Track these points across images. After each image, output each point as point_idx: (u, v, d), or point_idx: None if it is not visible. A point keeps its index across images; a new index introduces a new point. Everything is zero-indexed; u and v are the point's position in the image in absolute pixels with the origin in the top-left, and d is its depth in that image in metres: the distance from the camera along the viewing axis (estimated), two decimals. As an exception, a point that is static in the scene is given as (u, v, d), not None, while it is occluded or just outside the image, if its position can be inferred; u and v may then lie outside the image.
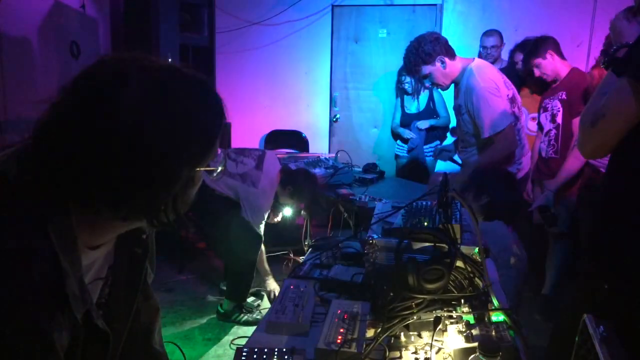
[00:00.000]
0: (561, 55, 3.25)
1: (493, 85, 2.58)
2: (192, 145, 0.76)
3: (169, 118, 0.73)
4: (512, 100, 2.65)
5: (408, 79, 4.45)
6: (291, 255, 3.48)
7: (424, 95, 4.56)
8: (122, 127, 0.70)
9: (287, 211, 3.58)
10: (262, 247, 3.30)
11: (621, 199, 1.24)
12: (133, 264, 0.93)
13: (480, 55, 4.39)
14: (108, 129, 0.70)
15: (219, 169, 0.85)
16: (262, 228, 3.19)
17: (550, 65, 3.21)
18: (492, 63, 4.23)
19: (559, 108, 3.19)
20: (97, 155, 0.70)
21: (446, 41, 2.71)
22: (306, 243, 3.71)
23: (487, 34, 4.24)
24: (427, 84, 4.37)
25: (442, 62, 2.62)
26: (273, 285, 3.45)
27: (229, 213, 3.11)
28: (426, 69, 2.69)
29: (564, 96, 3.16)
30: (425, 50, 2.64)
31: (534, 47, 3.28)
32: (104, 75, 0.73)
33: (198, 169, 0.80)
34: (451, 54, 2.68)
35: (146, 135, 0.71)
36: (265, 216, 3.20)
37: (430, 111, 4.57)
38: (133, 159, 0.71)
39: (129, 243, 0.91)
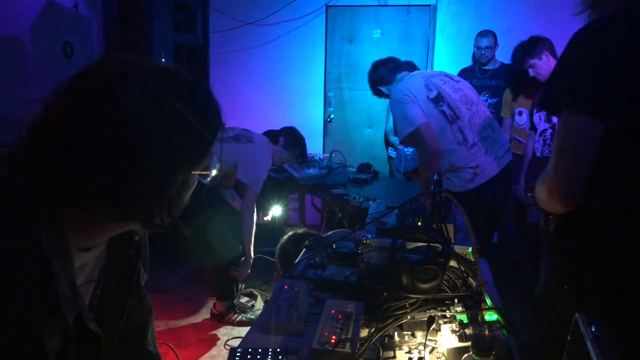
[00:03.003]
0: (555, 56, 3.26)
1: (402, 93, 2.71)
2: (188, 149, 0.76)
3: (167, 120, 0.73)
4: (437, 100, 2.66)
5: None
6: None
7: None
8: (119, 128, 0.70)
9: (277, 210, 3.58)
10: (255, 219, 3.21)
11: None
12: (125, 265, 0.92)
13: (474, 56, 4.41)
14: (105, 130, 0.69)
15: (214, 173, 0.85)
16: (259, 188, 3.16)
17: (545, 65, 3.22)
18: (486, 64, 4.25)
19: None
20: (94, 155, 0.70)
21: (400, 63, 2.96)
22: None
23: (481, 34, 4.24)
24: None
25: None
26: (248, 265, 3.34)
27: (215, 203, 3.13)
28: (386, 89, 2.92)
29: None
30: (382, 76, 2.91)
31: (529, 47, 3.27)
32: (102, 76, 0.73)
33: (193, 172, 0.80)
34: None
35: (144, 137, 0.71)
36: (265, 175, 3.17)
37: None
38: (129, 161, 0.71)
39: (121, 245, 0.90)
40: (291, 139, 3.33)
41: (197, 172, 0.80)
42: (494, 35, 4.21)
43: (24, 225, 0.68)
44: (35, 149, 0.72)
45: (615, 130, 1.09)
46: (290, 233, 2.25)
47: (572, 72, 1.13)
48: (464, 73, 4.41)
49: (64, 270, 0.70)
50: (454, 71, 4.70)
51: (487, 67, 4.26)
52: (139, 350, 1.07)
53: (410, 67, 2.98)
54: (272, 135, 3.34)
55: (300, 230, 2.26)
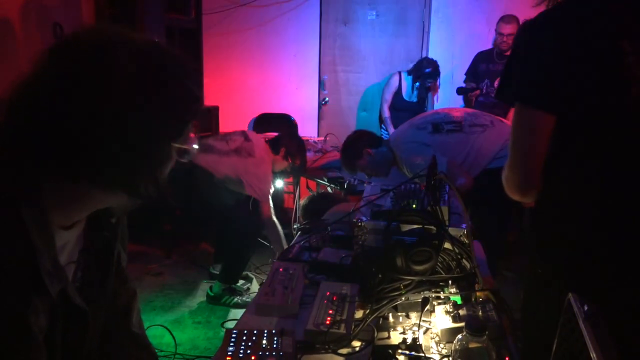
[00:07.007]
0: None
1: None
2: (168, 117, 0.77)
3: (149, 88, 0.73)
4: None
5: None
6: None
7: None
8: (101, 94, 0.70)
9: (278, 183, 3.60)
10: (279, 227, 3.27)
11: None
12: (103, 247, 0.92)
13: (494, 42, 4.23)
14: (87, 95, 0.70)
15: (194, 146, 0.85)
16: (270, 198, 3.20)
17: None
18: (506, 51, 4.04)
19: None
20: (75, 120, 0.69)
21: (369, 134, 2.91)
22: (295, 227, 3.72)
23: (505, 20, 4.03)
24: (428, 84, 4.41)
25: (369, 154, 2.75)
26: None
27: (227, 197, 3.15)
28: (359, 164, 2.82)
29: None
30: (350, 149, 2.84)
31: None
32: (84, 43, 0.73)
33: (174, 144, 0.80)
34: (375, 143, 2.81)
35: (125, 103, 0.71)
36: (270, 186, 3.19)
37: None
38: (110, 124, 0.71)
39: (99, 227, 0.90)
40: (294, 148, 3.28)
41: (177, 145, 0.80)
42: (518, 22, 3.97)
43: (4, 201, 0.67)
44: (16, 117, 0.71)
45: (566, 121, 1.10)
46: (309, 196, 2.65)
47: (521, 66, 1.13)
48: (481, 57, 4.29)
49: (45, 247, 0.70)
50: (449, 53, 4.68)
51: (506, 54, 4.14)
52: (124, 331, 1.06)
53: None
54: (273, 140, 3.30)
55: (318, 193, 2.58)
